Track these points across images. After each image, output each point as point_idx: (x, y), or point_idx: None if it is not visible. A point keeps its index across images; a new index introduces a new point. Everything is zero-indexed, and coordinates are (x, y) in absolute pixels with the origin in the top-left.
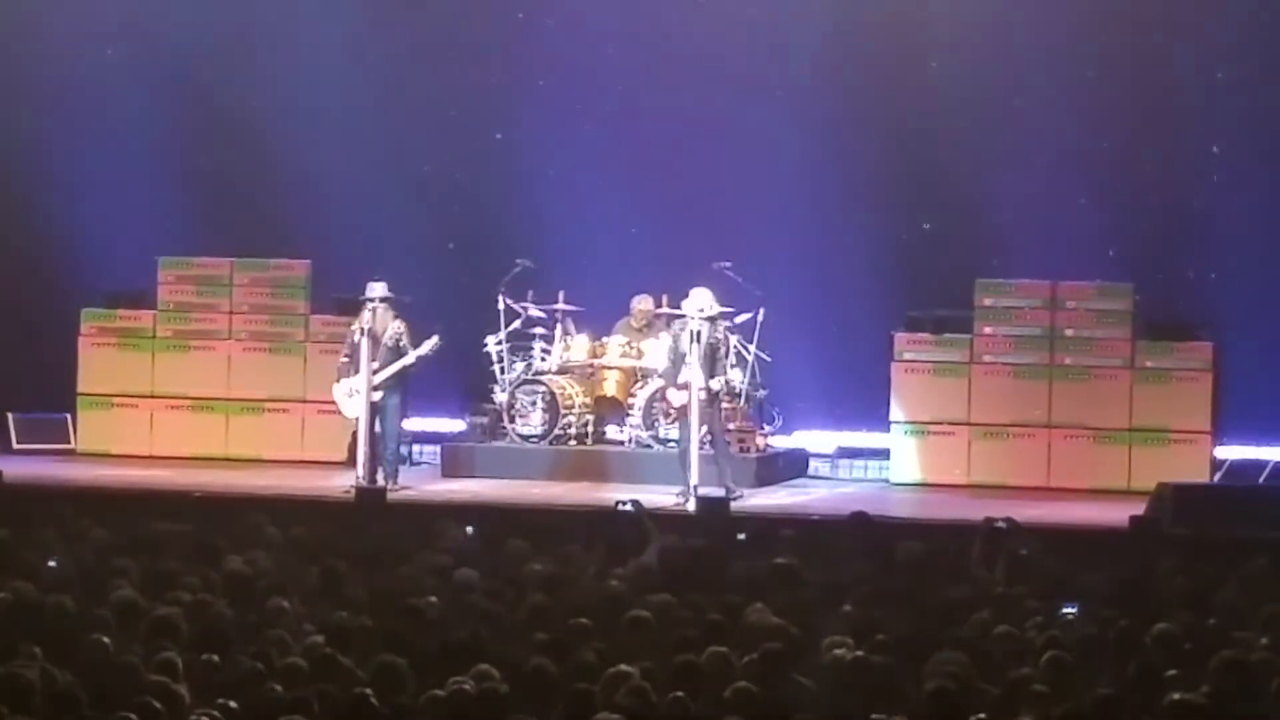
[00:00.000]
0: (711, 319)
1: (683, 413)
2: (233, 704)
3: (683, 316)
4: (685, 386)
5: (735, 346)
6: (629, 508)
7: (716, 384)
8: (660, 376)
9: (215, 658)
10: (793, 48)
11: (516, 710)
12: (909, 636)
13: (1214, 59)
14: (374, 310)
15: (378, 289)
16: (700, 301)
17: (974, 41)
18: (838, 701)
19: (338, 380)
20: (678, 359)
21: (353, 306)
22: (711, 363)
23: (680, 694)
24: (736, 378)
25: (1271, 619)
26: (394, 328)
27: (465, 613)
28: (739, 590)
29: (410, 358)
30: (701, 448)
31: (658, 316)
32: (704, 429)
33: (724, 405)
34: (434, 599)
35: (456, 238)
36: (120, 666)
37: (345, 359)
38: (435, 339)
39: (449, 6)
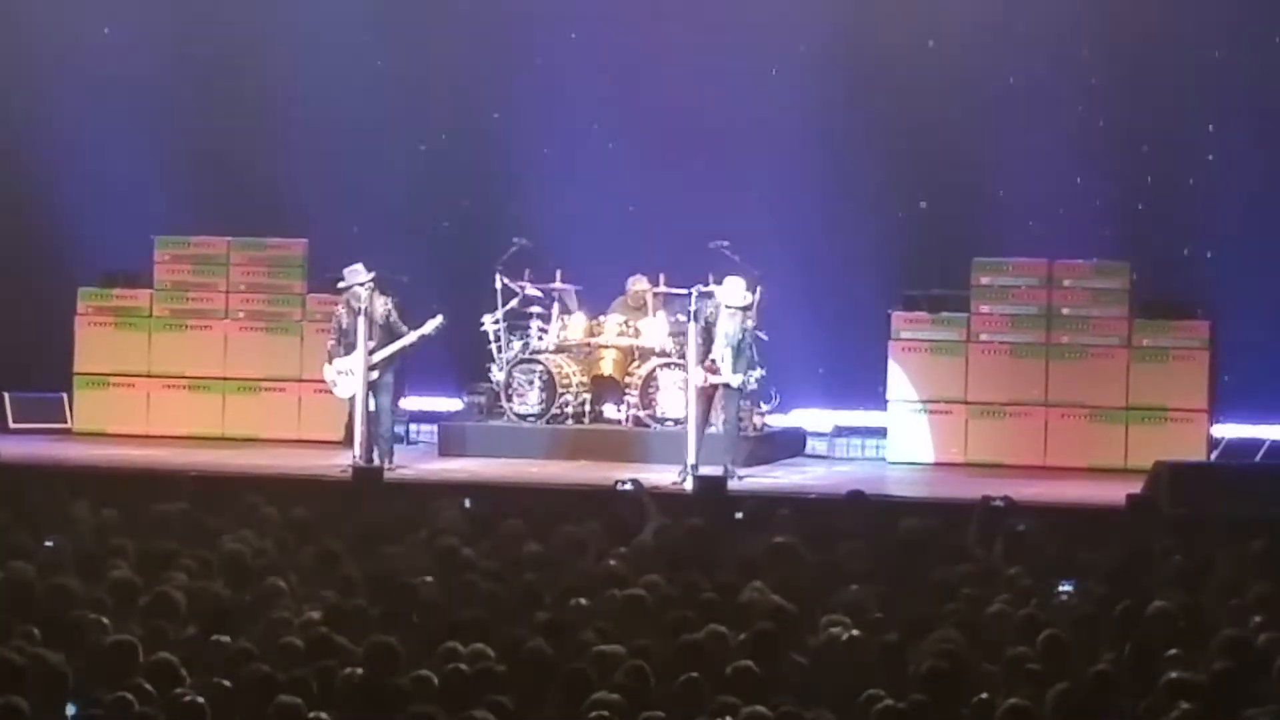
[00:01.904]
0: (743, 310)
1: (702, 394)
2: (226, 683)
3: (683, 296)
4: (710, 369)
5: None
6: (628, 487)
7: (737, 380)
8: (661, 354)
9: (211, 637)
10: (790, 26)
11: (513, 690)
12: (906, 615)
13: (1211, 37)
14: (370, 291)
15: (360, 271)
16: (732, 292)
17: (971, 20)
18: (834, 680)
19: (329, 362)
20: (707, 341)
21: (336, 290)
22: (736, 356)
23: (677, 673)
24: (756, 375)
25: (1266, 597)
26: (382, 304)
27: (462, 592)
28: (736, 569)
29: (413, 337)
30: (710, 426)
31: (654, 296)
32: (716, 408)
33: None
34: (430, 579)
35: (453, 217)
36: (116, 646)
37: (333, 341)
38: (440, 318)
39: None
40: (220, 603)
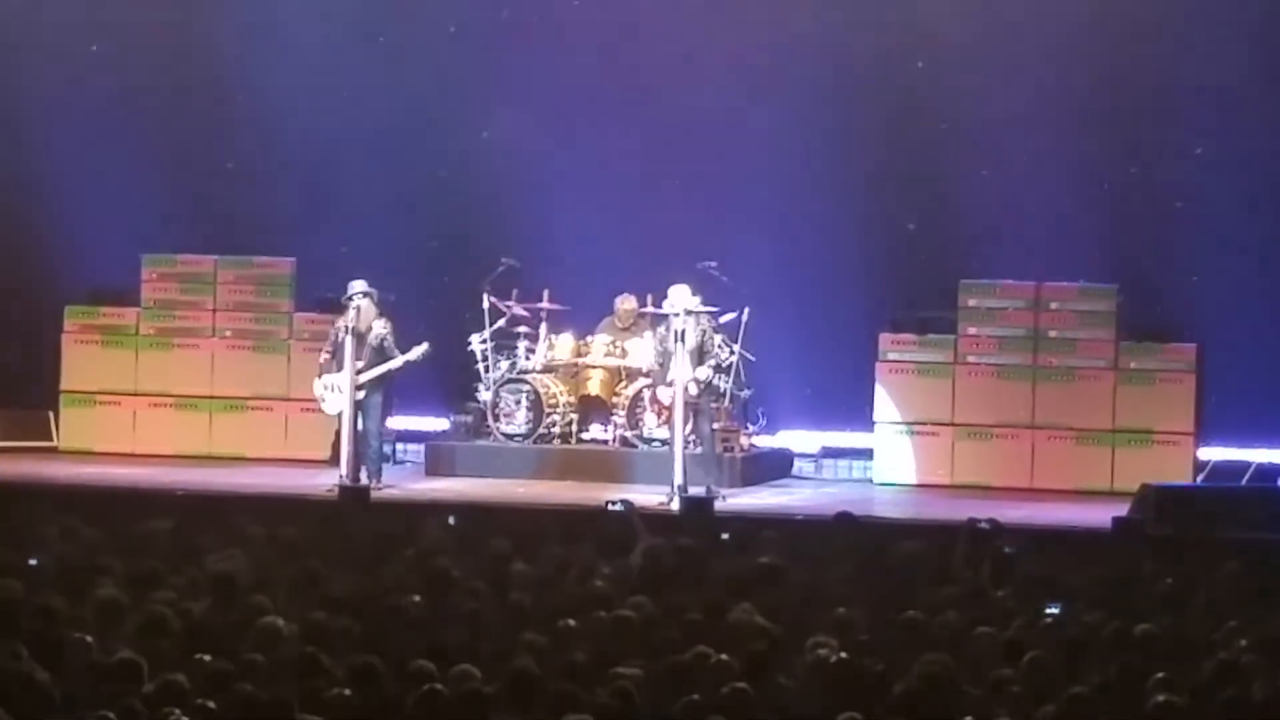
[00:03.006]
0: (694, 314)
1: (686, 410)
2: (210, 704)
3: (668, 316)
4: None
5: (719, 345)
6: (619, 508)
7: (703, 372)
8: (647, 376)
9: (196, 657)
10: (779, 48)
11: (499, 711)
12: (892, 637)
13: (1198, 61)
14: (357, 308)
15: (357, 285)
16: (680, 298)
17: (960, 43)
18: (820, 702)
19: (319, 376)
20: (665, 358)
21: (337, 306)
22: (699, 357)
23: (663, 694)
24: (725, 356)
25: (1251, 621)
26: (378, 327)
27: (448, 612)
28: (723, 590)
29: (398, 362)
30: (688, 447)
31: (641, 316)
32: (689, 426)
33: (712, 405)
34: (417, 598)
35: (441, 236)
36: (101, 665)
37: (327, 355)
38: (425, 346)
39: (434, 4)
40: (205, 622)
